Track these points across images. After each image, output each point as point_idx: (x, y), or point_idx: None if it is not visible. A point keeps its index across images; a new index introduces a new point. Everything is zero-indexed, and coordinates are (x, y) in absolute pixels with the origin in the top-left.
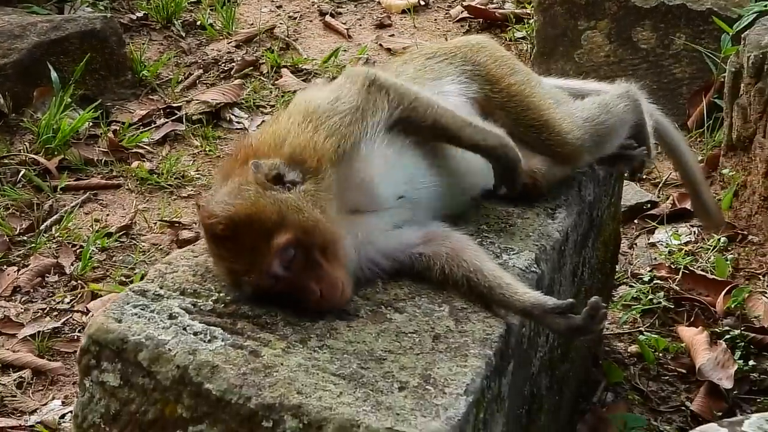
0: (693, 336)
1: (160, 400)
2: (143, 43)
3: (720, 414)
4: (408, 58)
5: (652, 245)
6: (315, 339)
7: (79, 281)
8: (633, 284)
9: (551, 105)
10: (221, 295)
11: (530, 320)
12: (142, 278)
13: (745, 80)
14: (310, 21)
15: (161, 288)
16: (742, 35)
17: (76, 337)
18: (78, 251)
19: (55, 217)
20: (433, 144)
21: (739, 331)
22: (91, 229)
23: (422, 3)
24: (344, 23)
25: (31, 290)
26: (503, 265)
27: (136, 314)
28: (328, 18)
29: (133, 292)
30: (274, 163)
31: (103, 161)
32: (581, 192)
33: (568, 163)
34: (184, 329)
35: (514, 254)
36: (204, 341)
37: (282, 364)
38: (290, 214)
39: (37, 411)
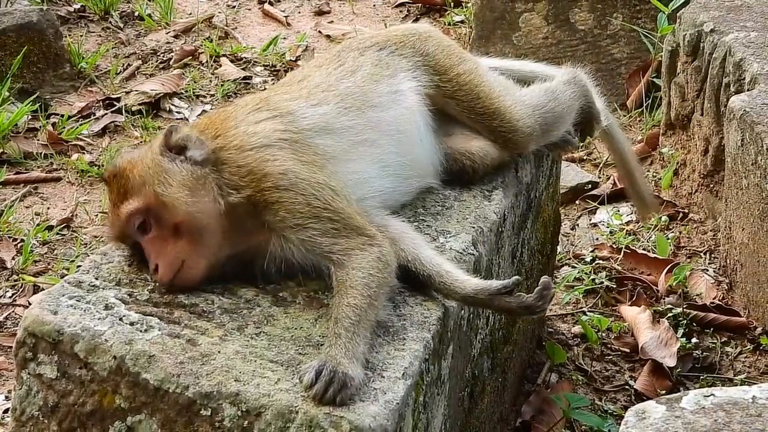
0: (635, 315)
1: (97, 391)
2: (81, 35)
3: (664, 392)
4: (362, 48)
5: (594, 225)
6: (252, 326)
7: (20, 275)
8: (575, 265)
9: (501, 93)
10: (157, 284)
11: (472, 306)
12: (77, 269)
13: (681, 59)
14: (249, 9)
15: (97, 279)
16: (678, 14)
17: None
18: (19, 245)
19: None
20: (382, 149)
21: (681, 309)
22: (31, 222)
23: None
24: (283, 11)
25: None
26: (440, 248)
27: (71, 306)
28: (266, 6)
29: (68, 283)
30: (188, 134)
31: (42, 154)
32: (518, 173)
33: (516, 150)
34: (120, 319)
35: (451, 237)
36: (140, 331)
37: (219, 352)
38: (153, 184)
39: None
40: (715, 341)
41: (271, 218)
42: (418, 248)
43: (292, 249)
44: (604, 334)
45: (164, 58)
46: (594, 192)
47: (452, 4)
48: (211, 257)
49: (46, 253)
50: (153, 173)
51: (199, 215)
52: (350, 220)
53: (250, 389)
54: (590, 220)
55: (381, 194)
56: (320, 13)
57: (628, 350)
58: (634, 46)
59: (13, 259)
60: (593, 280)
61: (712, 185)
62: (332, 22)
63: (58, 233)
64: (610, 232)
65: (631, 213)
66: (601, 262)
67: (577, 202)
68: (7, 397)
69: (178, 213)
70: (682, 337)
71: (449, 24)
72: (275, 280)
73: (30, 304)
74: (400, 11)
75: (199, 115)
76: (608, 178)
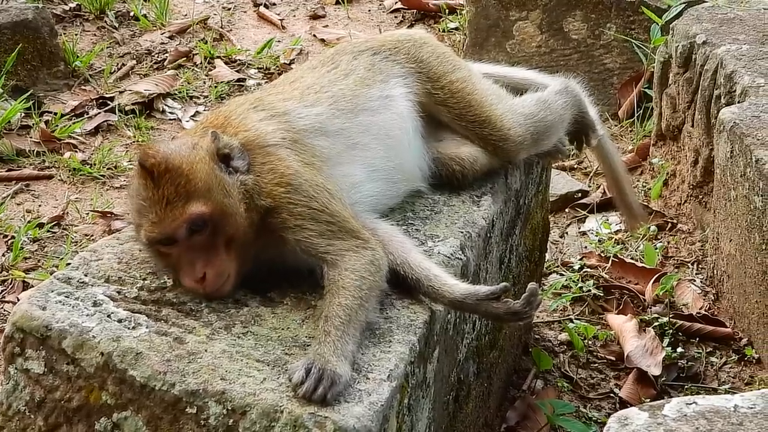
0: (622, 323)
1: (84, 387)
2: (76, 34)
3: (648, 400)
4: (356, 51)
5: (583, 234)
6: (239, 326)
7: (9, 271)
8: (563, 272)
9: (493, 101)
10: (146, 282)
11: (460, 311)
12: (67, 265)
13: (673, 70)
14: (244, 12)
15: (86, 275)
16: (671, 25)
17: None
18: (9, 242)
19: None
20: (373, 152)
21: (667, 318)
22: (22, 219)
23: None
24: (278, 14)
25: None
26: (428, 252)
27: (60, 302)
28: (261, 9)
29: (57, 279)
30: (231, 142)
31: (35, 152)
32: (507, 180)
33: (506, 158)
34: (109, 316)
35: (439, 241)
36: (128, 328)
37: (206, 350)
38: (217, 193)
39: None
40: (701, 351)
41: (272, 220)
42: (406, 252)
43: (287, 250)
44: (590, 342)
45: (158, 59)
46: (583, 200)
47: (447, 10)
48: (242, 270)
49: (36, 251)
50: (217, 182)
51: (249, 231)
52: (346, 223)
53: (235, 388)
54: (579, 228)
55: (371, 198)
56: (315, 17)
57: (613, 358)
58: (627, 56)
59: (3, 255)
60: (581, 288)
61: (701, 196)
62: (327, 26)
63: (48, 231)
64: (599, 241)
65: (620, 222)
66: (589, 270)
67: (566, 210)
68: None
69: (238, 228)
70: (667, 346)
71: (443, 30)
72: (264, 279)
73: (19, 300)
74: (395, 17)
75: (192, 116)
76: (598, 187)
